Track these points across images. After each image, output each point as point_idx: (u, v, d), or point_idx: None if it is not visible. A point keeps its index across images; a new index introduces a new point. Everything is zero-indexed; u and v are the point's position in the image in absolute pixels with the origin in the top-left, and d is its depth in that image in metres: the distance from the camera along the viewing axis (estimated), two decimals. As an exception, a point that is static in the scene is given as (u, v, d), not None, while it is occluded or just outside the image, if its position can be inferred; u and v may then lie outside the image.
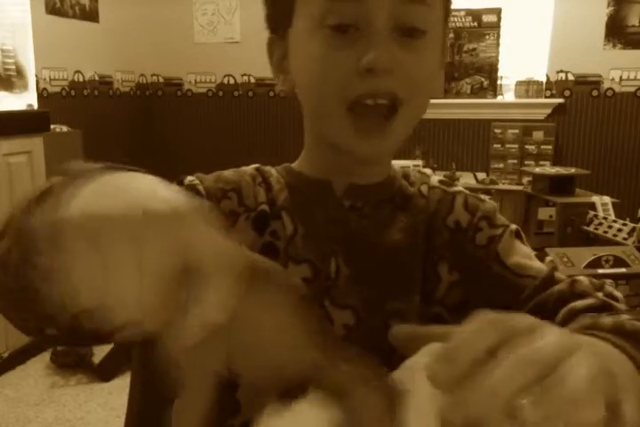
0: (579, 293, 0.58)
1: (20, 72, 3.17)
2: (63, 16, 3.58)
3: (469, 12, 3.83)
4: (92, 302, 0.33)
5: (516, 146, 3.65)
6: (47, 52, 3.42)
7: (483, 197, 0.69)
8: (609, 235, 2.49)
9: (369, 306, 0.62)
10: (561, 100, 3.83)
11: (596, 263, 2.11)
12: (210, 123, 4.46)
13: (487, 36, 3.85)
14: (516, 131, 3.65)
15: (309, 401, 0.33)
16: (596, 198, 2.75)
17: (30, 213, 0.45)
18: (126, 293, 0.32)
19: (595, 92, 3.79)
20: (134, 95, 4.39)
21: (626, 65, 3.71)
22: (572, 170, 3.14)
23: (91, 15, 3.82)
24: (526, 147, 3.66)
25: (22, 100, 3.13)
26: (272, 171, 0.68)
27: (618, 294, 0.59)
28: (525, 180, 3.44)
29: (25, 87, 3.21)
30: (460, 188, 0.69)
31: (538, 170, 3.13)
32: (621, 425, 0.31)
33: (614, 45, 3.71)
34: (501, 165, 3.68)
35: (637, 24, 3.67)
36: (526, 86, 3.85)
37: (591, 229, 2.61)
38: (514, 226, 0.66)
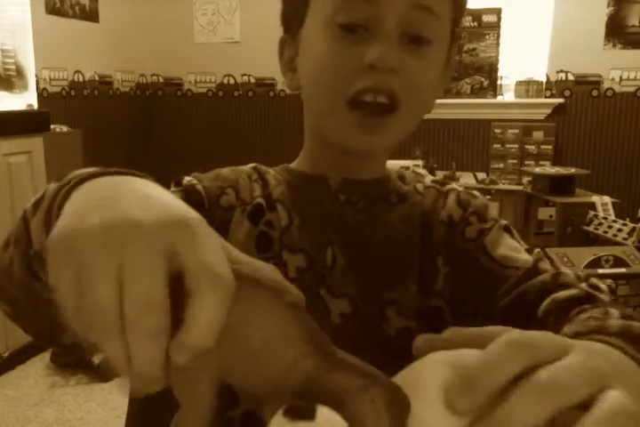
0: (562, 284, 0.58)
1: (20, 72, 3.17)
2: (63, 16, 3.58)
3: (469, 12, 3.83)
4: (70, 316, 0.31)
5: (516, 146, 3.65)
6: (47, 52, 3.42)
7: (476, 193, 0.70)
8: (609, 235, 2.49)
9: (365, 295, 0.63)
10: (561, 100, 3.83)
11: (596, 263, 2.11)
12: (210, 123, 4.46)
13: (487, 36, 3.85)
14: (516, 131, 3.65)
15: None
16: (596, 198, 2.75)
17: (26, 223, 0.45)
18: (104, 306, 0.30)
19: (595, 92, 3.79)
20: (134, 95, 4.39)
21: (626, 65, 3.71)
22: (572, 170, 3.14)
23: (91, 15, 3.82)
24: (526, 147, 3.66)
25: (22, 100, 3.13)
26: (269, 169, 0.70)
27: (603, 285, 0.58)
28: (525, 180, 3.44)
29: (25, 87, 3.21)
30: (453, 186, 0.70)
31: (538, 170, 3.13)
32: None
33: (614, 45, 3.71)
34: (501, 165, 3.68)
35: (637, 24, 3.67)
36: (526, 86, 3.85)
37: (591, 229, 2.61)
38: (504, 221, 0.67)
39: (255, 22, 4.12)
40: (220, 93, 4.42)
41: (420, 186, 0.69)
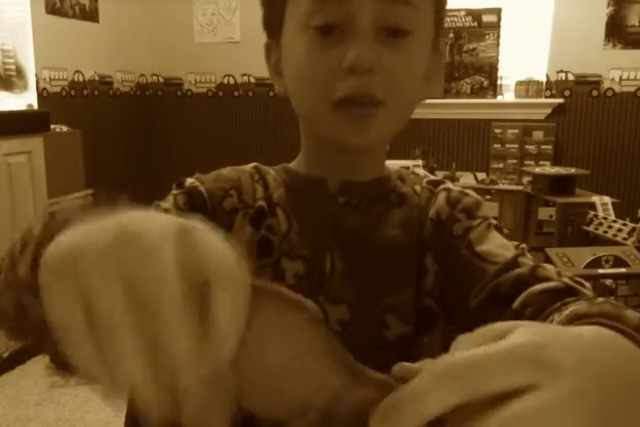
0: (540, 277, 0.55)
1: (20, 72, 3.17)
2: (63, 16, 3.58)
3: (469, 12, 3.83)
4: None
5: (516, 146, 3.65)
6: (47, 52, 3.42)
7: (470, 191, 0.69)
8: (609, 235, 2.49)
9: (364, 301, 0.62)
10: (561, 101, 3.83)
11: (596, 263, 2.10)
12: (210, 123, 4.45)
13: (487, 36, 3.84)
14: (516, 131, 3.65)
15: None
16: (596, 198, 2.75)
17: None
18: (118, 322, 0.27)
19: (595, 92, 3.79)
20: (134, 95, 4.39)
21: (626, 65, 3.71)
22: (572, 170, 3.14)
23: (91, 15, 3.82)
24: (526, 147, 3.65)
25: (22, 100, 3.13)
26: (270, 170, 0.70)
27: (587, 284, 0.55)
28: (525, 180, 3.44)
29: (25, 87, 3.20)
30: (447, 185, 0.70)
31: (538, 170, 3.13)
32: None
33: (614, 45, 3.70)
34: (501, 165, 3.68)
35: (637, 24, 3.67)
36: (526, 86, 3.85)
37: (591, 229, 2.60)
38: (494, 220, 0.65)
39: (255, 22, 4.08)
40: (220, 93, 4.42)
41: (417, 187, 0.69)
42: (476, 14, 3.82)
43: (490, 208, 3.25)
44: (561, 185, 2.95)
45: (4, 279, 0.45)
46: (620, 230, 2.46)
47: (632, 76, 3.72)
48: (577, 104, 3.84)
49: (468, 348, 0.28)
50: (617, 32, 3.69)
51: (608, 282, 2.10)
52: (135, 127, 4.38)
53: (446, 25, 3.80)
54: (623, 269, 2.11)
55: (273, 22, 0.64)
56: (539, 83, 3.85)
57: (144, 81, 4.49)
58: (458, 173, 3.67)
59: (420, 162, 3.38)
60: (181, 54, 4.40)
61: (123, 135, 4.22)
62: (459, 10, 3.81)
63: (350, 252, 0.63)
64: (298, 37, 0.59)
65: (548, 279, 0.55)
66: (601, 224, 2.57)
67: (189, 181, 0.65)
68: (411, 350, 0.62)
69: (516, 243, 0.63)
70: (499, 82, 3.92)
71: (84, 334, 0.28)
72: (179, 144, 4.49)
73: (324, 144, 0.64)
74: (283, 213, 0.65)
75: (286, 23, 0.62)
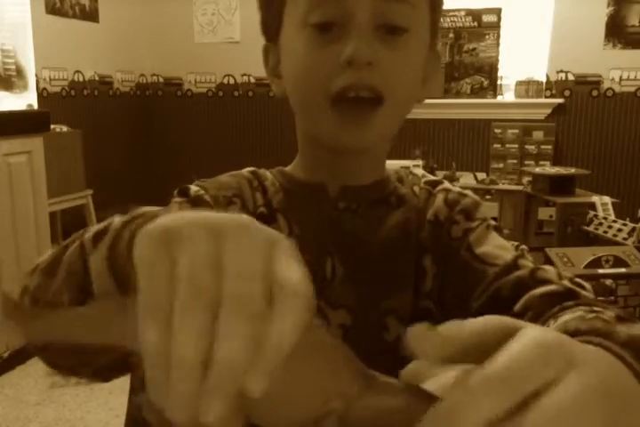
0: (540, 280, 0.55)
1: (20, 72, 3.17)
2: (63, 16, 3.58)
3: (469, 12, 3.83)
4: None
5: (516, 146, 3.65)
6: (47, 52, 3.42)
7: (468, 192, 0.68)
8: (609, 235, 2.49)
9: (364, 305, 0.62)
10: (561, 101, 3.83)
11: (596, 263, 2.10)
12: (210, 123, 4.46)
13: (487, 36, 3.85)
14: (516, 131, 3.65)
15: None
16: (595, 198, 2.75)
17: (84, 256, 0.44)
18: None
19: (595, 92, 3.79)
20: (134, 95, 4.39)
21: (626, 65, 3.71)
22: (572, 170, 3.14)
23: (91, 15, 3.82)
24: (526, 147, 3.65)
25: (22, 100, 3.13)
26: (267, 174, 0.69)
27: (586, 284, 0.56)
28: (525, 180, 3.44)
29: (25, 87, 3.21)
30: (446, 185, 0.69)
31: (538, 170, 3.13)
32: None
33: (614, 45, 3.71)
34: (501, 165, 3.68)
35: (637, 24, 3.67)
36: (526, 86, 3.85)
37: (591, 229, 2.60)
38: (493, 222, 0.65)
39: (255, 22, 4.05)
40: (220, 93, 4.42)
41: (416, 188, 0.69)
42: (475, 14, 3.83)
43: (490, 208, 3.26)
44: (561, 185, 2.95)
45: (68, 267, 0.45)
46: (620, 230, 2.46)
47: (632, 76, 3.72)
48: (577, 104, 3.84)
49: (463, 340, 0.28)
50: (617, 32, 3.69)
51: (608, 282, 2.10)
52: (135, 127, 4.38)
53: (446, 25, 3.81)
54: (623, 269, 2.11)
55: (271, 25, 0.65)
56: (539, 83, 3.85)
57: (144, 81, 4.49)
58: (458, 173, 3.68)
59: (419, 162, 3.38)
60: (181, 54, 4.40)
61: (123, 135, 4.22)
62: (459, 10, 3.81)
63: (351, 256, 0.63)
64: (297, 36, 0.60)
65: (548, 281, 0.55)
66: (601, 224, 2.57)
67: (193, 189, 0.64)
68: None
69: (516, 244, 0.63)
70: (499, 82, 3.93)
71: (163, 312, 0.28)
72: (179, 144, 4.49)
73: (321, 147, 0.64)
74: (283, 218, 0.65)
75: (285, 24, 0.62)
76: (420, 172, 0.73)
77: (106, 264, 0.41)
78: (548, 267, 0.58)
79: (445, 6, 0.66)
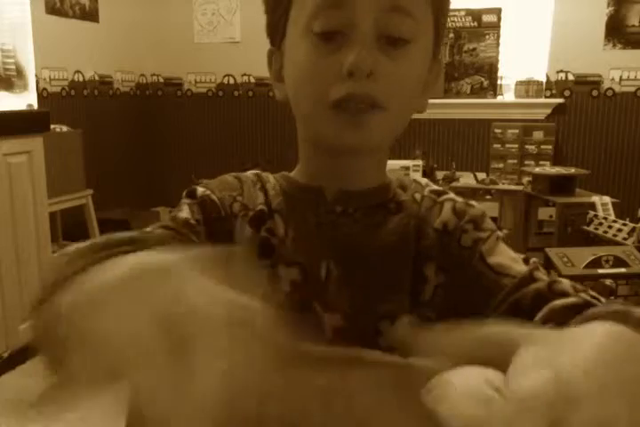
0: (558, 292, 0.57)
1: (20, 72, 3.17)
2: (63, 16, 3.58)
3: (469, 12, 3.83)
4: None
5: (516, 146, 3.65)
6: (47, 52, 3.42)
7: (473, 203, 0.69)
8: (609, 235, 2.49)
9: (359, 309, 0.62)
10: (561, 100, 3.83)
11: (596, 263, 2.10)
12: (210, 123, 4.46)
13: (487, 36, 3.85)
14: (516, 131, 3.65)
15: None
16: (595, 198, 2.75)
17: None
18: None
19: (595, 92, 3.80)
20: (134, 95, 4.39)
21: (626, 65, 3.71)
22: (572, 170, 3.14)
23: (91, 15, 3.82)
24: (526, 147, 3.65)
25: (22, 100, 3.14)
26: (270, 177, 0.71)
27: (602, 298, 0.57)
28: (525, 180, 3.44)
29: (25, 87, 3.21)
30: (450, 195, 0.70)
31: (538, 170, 3.13)
32: None
33: (614, 45, 3.71)
34: (501, 165, 3.68)
35: (637, 24, 3.67)
36: (526, 86, 3.85)
37: (591, 229, 2.60)
38: (500, 233, 0.66)
39: (255, 22, 4.10)
40: (220, 93, 4.42)
41: (417, 196, 0.69)
42: (475, 14, 3.83)
43: (490, 208, 3.26)
44: (561, 185, 2.96)
45: None
46: (619, 230, 2.46)
47: (632, 76, 3.72)
48: (577, 104, 3.84)
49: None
50: (617, 32, 3.69)
51: (608, 282, 2.10)
52: (135, 127, 4.39)
53: (446, 25, 3.81)
54: (623, 269, 2.11)
55: (276, 28, 0.65)
56: (539, 83, 3.85)
57: (144, 81, 4.49)
58: (458, 173, 3.68)
59: (419, 162, 3.38)
60: (181, 54, 4.40)
61: (123, 135, 4.22)
62: (459, 10, 3.81)
63: (346, 260, 0.64)
64: (299, 43, 0.61)
65: (564, 294, 0.57)
66: (601, 224, 2.57)
67: (200, 190, 0.66)
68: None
69: (523, 256, 0.64)
70: (499, 82, 3.93)
71: None
72: (178, 144, 4.49)
73: (321, 151, 0.65)
74: (280, 219, 0.66)
75: (289, 29, 0.63)
76: (423, 180, 0.74)
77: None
78: (562, 279, 0.59)
79: (446, 6, 0.66)
